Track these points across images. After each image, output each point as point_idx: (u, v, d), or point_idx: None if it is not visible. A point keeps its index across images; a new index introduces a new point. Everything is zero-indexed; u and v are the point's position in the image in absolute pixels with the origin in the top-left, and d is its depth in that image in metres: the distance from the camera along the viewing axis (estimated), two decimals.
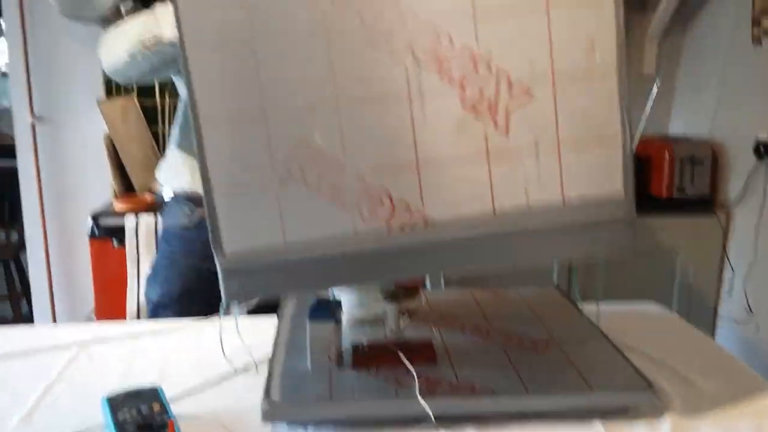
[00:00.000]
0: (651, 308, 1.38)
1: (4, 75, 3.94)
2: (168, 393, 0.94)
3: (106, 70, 1.35)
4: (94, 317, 2.30)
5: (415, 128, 0.85)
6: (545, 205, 0.87)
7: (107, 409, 0.89)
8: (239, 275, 0.87)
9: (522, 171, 0.86)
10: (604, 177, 0.87)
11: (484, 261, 0.89)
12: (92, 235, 2.26)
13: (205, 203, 0.85)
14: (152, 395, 0.92)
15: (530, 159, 0.86)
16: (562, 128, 0.85)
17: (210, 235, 0.86)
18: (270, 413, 0.89)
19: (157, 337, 1.21)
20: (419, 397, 0.88)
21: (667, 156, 2.39)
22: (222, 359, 1.08)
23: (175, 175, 1.49)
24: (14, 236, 3.22)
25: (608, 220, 0.88)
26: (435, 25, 0.82)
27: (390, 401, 0.91)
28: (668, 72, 2.68)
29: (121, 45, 1.24)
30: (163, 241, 1.57)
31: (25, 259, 2.64)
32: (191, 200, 1.45)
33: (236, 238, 0.86)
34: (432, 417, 0.86)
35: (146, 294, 1.56)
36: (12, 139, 2.52)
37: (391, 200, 0.86)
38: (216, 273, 0.87)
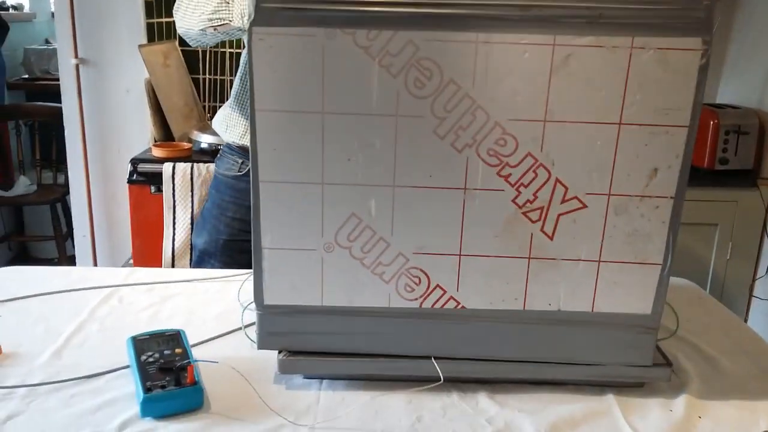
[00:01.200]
0: (683, 285, 1.39)
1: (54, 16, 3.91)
2: (191, 339, 1.00)
3: (178, 31, 1.38)
4: (132, 263, 2.38)
5: (465, 220, 0.86)
6: (574, 312, 0.91)
7: (131, 350, 0.96)
8: (274, 328, 0.93)
9: (559, 277, 0.89)
10: (637, 297, 0.90)
11: (509, 349, 0.93)
12: (131, 181, 2.31)
13: (253, 254, 0.89)
14: (175, 339, 0.99)
15: (569, 268, 0.89)
16: (607, 245, 0.87)
17: (254, 286, 0.91)
18: (286, 365, 0.95)
19: (186, 286, 1.28)
20: (433, 361, 0.93)
21: (711, 125, 2.33)
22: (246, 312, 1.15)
23: (230, 126, 1.55)
24: (61, 178, 3.28)
25: (632, 325, 0.92)
26: (503, 127, 0.83)
27: (403, 361, 0.95)
28: (718, 39, 2.57)
29: (193, 19, 1.28)
30: (213, 189, 1.64)
31: (71, 201, 2.70)
32: (244, 151, 1.52)
33: (277, 293, 0.91)
34: (441, 377, 0.92)
35: (192, 241, 1.66)
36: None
37: (428, 282, 0.89)
38: None
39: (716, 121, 2.32)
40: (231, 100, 1.56)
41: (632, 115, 0.83)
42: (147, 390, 0.88)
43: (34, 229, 3.57)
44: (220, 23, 1.22)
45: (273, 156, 0.84)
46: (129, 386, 0.94)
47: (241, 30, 1.22)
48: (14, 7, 3.94)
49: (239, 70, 1.54)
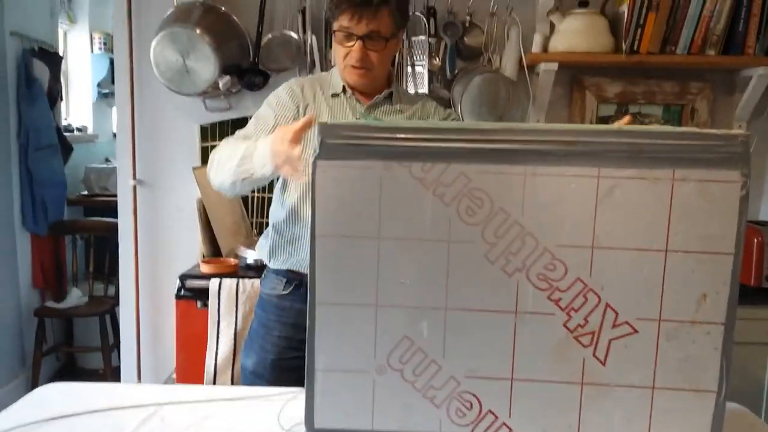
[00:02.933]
0: (734, 409, 1.32)
1: (115, 137, 4.18)
2: None
3: (213, 186, 1.51)
4: (175, 378, 2.39)
5: (516, 345, 0.87)
6: None
7: None
8: None
9: (612, 404, 0.89)
10: (693, 424, 0.89)
11: None
12: (178, 296, 2.36)
13: (306, 376, 0.90)
14: None
15: (623, 394, 0.88)
16: (660, 371, 0.87)
17: (305, 408, 0.91)
18: None
19: (228, 405, 1.26)
20: None
21: (755, 243, 2.30)
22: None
23: (273, 255, 1.64)
24: (111, 290, 3.38)
25: None
26: (553, 253, 0.85)
27: None
28: (758, 155, 2.60)
29: (223, 174, 1.44)
30: (259, 308, 1.69)
31: (119, 313, 2.77)
32: (287, 273, 1.61)
33: (328, 416, 0.91)
34: None
35: (242, 362, 1.69)
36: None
37: (480, 407, 0.89)
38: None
39: (760, 238, 2.30)
40: (271, 229, 1.65)
41: (677, 242, 0.85)
42: None
43: (83, 340, 3.63)
44: (245, 175, 1.37)
45: (330, 279, 0.87)
46: None
47: (263, 178, 1.37)
48: (79, 129, 4.20)
49: (274, 203, 1.65)
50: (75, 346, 3.67)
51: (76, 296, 3.31)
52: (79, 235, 3.49)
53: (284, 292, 1.61)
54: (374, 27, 1.49)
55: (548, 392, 0.89)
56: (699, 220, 0.85)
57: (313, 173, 0.83)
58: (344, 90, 1.61)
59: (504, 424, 0.90)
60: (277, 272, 1.63)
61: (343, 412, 0.91)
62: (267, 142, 1.30)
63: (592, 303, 0.87)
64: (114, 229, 2.74)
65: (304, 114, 1.56)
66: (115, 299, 3.27)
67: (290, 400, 1.22)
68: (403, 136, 0.84)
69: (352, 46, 1.51)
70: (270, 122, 1.55)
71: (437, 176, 0.84)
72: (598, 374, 0.88)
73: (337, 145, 0.83)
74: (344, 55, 1.54)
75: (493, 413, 0.90)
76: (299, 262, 1.56)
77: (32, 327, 3.29)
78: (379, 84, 1.63)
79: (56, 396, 1.33)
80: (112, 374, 3.11)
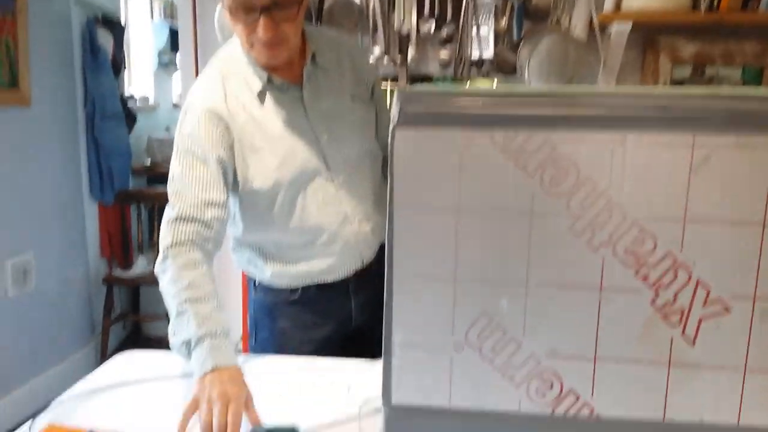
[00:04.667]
0: None
1: (176, 106, 4.22)
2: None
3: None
4: (241, 347, 2.42)
5: (600, 322, 0.83)
6: (719, 425, 0.84)
7: None
8: (401, 428, 0.90)
9: (701, 386, 0.83)
10: None
11: None
12: None
13: (383, 353, 0.88)
14: None
15: (712, 376, 0.83)
16: (753, 353, 0.82)
17: (382, 383, 0.89)
18: None
19: (299, 374, 1.27)
20: None
21: None
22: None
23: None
24: None
25: None
26: (641, 226, 0.80)
27: None
28: None
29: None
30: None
31: None
32: None
33: (405, 392, 0.89)
34: None
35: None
36: None
37: (561, 386, 0.85)
38: None
39: None
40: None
41: None
42: None
43: (149, 309, 3.73)
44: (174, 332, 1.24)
45: (407, 251, 0.84)
46: None
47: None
48: (140, 99, 4.26)
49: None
50: (141, 314, 3.77)
51: (142, 265, 3.38)
52: (144, 205, 3.55)
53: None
54: None
55: (633, 372, 0.84)
56: None
57: (392, 142, 0.80)
58: (268, 80, 1.33)
59: (586, 403, 0.86)
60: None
61: (420, 388, 0.88)
62: (215, 361, 1.12)
63: (682, 280, 0.81)
64: None
65: (242, 150, 1.33)
66: None
67: (360, 373, 1.21)
68: (485, 102, 0.80)
69: (256, 21, 1.19)
70: (206, 176, 1.28)
71: (521, 144, 0.79)
72: (687, 354, 0.83)
73: (416, 112, 0.79)
74: (247, 32, 1.23)
75: (574, 393, 0.86)
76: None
77: (101, 295, 3.39)
78: (297, 49, 1.34)
79: (127, 364, 1.35)
80: None
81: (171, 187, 1.31)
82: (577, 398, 0.86)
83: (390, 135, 0.80)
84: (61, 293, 3.21)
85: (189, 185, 1.29)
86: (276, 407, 1.14)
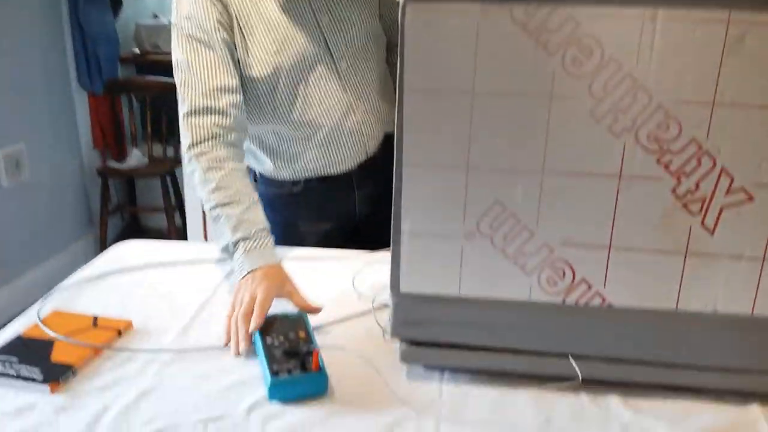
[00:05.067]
0: None
1: None
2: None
3: None
4: None
5: (617, 211, 0.80)
6: (732, 314, 0.83)
7: (258, 334, 0.96)
8: (409, 316, 0.89)
9: (717, 276, 0.82)
10: None
11: (654, 351, 0.87)
12: None
13: (392, 241, 0.86)
14: (298, 323, 0.99)
15: (729, 266, 0.81)
16: None
17: (390, 272, 0.88)
18: (409, 355, 0.92)
19: (304, 265, 1.25)
20: (571, 359, 0.87)
21: None
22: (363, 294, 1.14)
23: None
24: (171, 151, 3.37)
25: None
26: (667, 111, 0.75)
27: (532, 357, 0.89)
28: None
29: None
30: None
31: (180, 173, 2.77)
32: None
33: (414, 280, 0.88)
34: (580, 376, 0.86)
35: None
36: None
37: (573, 275, 0.84)
38: None
39: None
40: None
41: None
42: (274, 373, 0.87)
43: (145, 201, 3.70)
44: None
45: (418, 137, 0.80)
46: (254, 367, 0.93)
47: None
48: None
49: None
50: (138, 206, 3.75)
51: (136, 157, 3.33)
52: (135, 95, 3.46)
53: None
54: None
55: (648, 262, 0.82)
56: None
57: (402, 18, 0.74)
58: None
59: (597, 293, 0.84)
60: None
61: (429, 277, 0.86)
62: (251, 264, 1.09)
63: (706, 167, 0.78)
64: (170, 88, 2.68)
65: (242, 32, 1.25)
66: (175, 160, 3.28)
67: (365, 265, 1.19)
68: None
69: None
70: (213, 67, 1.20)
71: (542, 20, 0.73)
72: (705, 244, 0.81)
73: None
74: None
75: (586, 282, 0.84)
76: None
77: (97, 187, 3.36)
78: None
79: (131, 253, 1.34)
80: (177, 235, 3.18)
81: (177, 77, 1.24)
82: (589, 287, 0.84)
83: (400, 10, 0.73)
84: (56, 184, 3.18)
85: (196, 73, 1.21)
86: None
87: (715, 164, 0.77)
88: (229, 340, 1.00)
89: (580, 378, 0.87)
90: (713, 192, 0.78)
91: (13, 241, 2.94)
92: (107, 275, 1.23)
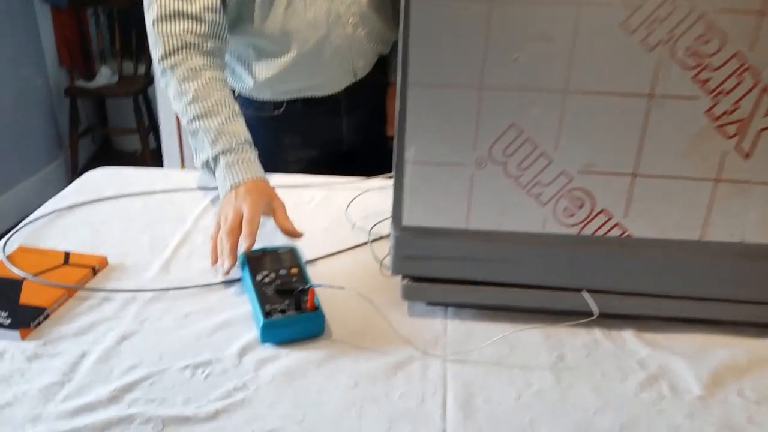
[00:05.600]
0: None
1: None
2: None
3: None
4: None
5: (646, 134, 0.72)
6: (761, 245, 0.77)
7: (246, 269, 0.89)
8: (412, 252, 0.82)
9: (748, 204, 0.75)
10: None
11: (675, 285, 0.81)
12: None
13: (394, 170, 0.78)
14: (290, 257, 0.91)
15: (763, 193, 0.74)
16: None
17: (392, 204, 0.80)
18: (411, 291, 0.85)
19: (290, 193, 1.17)
20: (586, 294, 0.82)
21: None
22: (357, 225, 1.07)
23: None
24: (142, 69, 3.19)
25: None
26: (710, 22, 0.66)
27: (540, 292, 0.83)
28: None
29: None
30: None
31: (153, 93, 2.62)
32: None
33: (418, 213, 0.80)
34: (595, 312, 0.81)
35: None
36: None
37: (592, 206, 0.76)
38: None
39: None
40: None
41: None
42: (266, 314, 0.79)
43: (117, 122, 3.55)
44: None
45: (425, 53, 0.70)
46: (243, 306, 0.86)
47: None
48: None
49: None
50: (110, 127, 3.60)
51: (105, 75, 3.16)
52: (101, 8, 3.25)
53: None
54: None
55: (675, 189, 0.75)
56: None
57: None
58: None
59: (617, 224, 0.77)
60: None
61: (434, 209, 0.79)
62: (234, 178, 1.00)
63: (747, 85, 0.70)
64: (138, 1, 2.51)
65: None
66: (147, 77, 3.12)
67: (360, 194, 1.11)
68: None
69: None
70: None
71: None
72: (739, 169, 0.74)
73: None
74: None
75: (607, 213, 0.77)
76: None
77: (65, 108, 3.20)
78: None
79: (108, 179, 1.24)
80: (152, 157, 3.06)
81: None
82: (609, 218, 0.77)
83: None
84: (22, 105, 3.02)
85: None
86: (271, 225, 1.05)
87: (757, 82, 0.69)
88: (215, 261, 0.92)
89: (596, 314, 0.81)
90: (753, 113, 0.70)
91: None
92: (78, 206, 1.14)
